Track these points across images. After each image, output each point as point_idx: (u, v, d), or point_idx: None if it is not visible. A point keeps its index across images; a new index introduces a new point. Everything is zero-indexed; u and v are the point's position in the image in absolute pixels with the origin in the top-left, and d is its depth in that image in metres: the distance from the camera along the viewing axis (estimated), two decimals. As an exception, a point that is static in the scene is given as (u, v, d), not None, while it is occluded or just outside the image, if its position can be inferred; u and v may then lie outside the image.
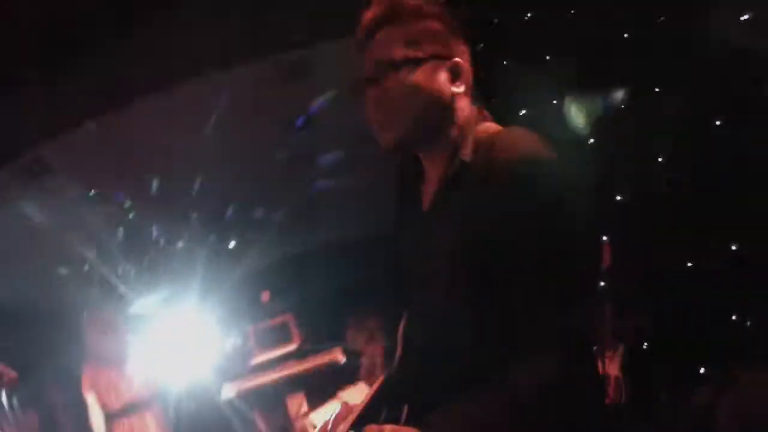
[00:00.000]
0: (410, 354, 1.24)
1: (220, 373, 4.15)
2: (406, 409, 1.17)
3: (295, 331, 4.34)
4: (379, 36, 1.18)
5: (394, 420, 1.14)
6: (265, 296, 4.51)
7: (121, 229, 4.81)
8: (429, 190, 1.23)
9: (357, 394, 3.10)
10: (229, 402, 3.96)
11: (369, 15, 1.18)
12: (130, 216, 4.86)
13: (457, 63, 1.17)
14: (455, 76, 1.17)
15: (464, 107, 1.19)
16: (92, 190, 4.10)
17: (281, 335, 4.35)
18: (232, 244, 5.56)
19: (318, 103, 4.38)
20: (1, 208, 3.74)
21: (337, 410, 1.38)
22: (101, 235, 4.73)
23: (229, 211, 5.37)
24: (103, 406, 3.54)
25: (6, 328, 4.87)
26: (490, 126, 1.19)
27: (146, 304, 4.80)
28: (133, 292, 4.88)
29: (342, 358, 3.98)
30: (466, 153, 1.12)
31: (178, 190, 4.65)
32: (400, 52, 1.14)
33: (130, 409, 3.54)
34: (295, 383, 3.86)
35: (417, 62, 1.14)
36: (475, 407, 0.94)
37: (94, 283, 4.77)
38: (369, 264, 4.51)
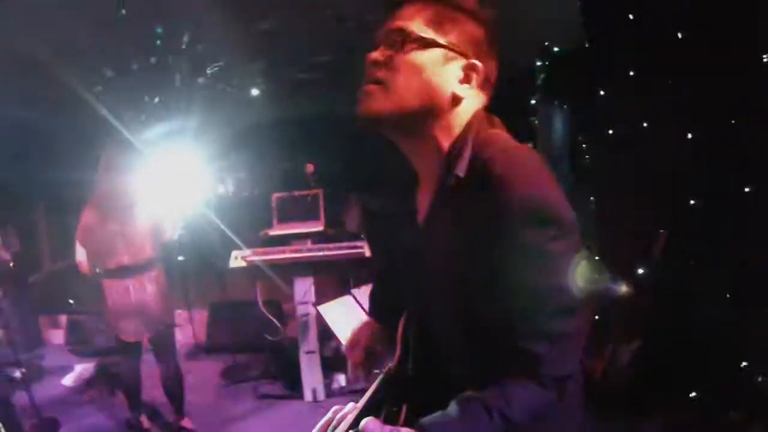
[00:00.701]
0: (409, 354, 1.32)
1: (230, 238, 4.03)
2: (404, 408, 1.28)
3: (322, 211, 4.14)
4: (406, 7, 1.17)
5: (394, 419, 1.25)
6: (310, 167, 4.26)
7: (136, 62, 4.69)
8: (424, 199, 1.23)
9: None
10: (236, 271, 3.87)
11: None
12: (158, 43, 4.75)
13: (473, 64, 1.15)
14: (468, 76, 1.15)
15: (466, 112, 1.16)
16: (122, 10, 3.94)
17: (307, 211, 4.12)
18: (254, 93, 5.43)
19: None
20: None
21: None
22: (124, 62, 4.68)
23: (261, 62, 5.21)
24: (100, 265, 3.43)
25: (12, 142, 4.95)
26: (494, 136, 1.14)
27: (157, 140, 4.62)
28: (146, 126, 4.79)
29: (368, 254, 3.68)
30: (462, 167, 1.10)
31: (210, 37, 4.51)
32: (419, 28, 1.13)
33: (129, 271, 3.39)
34: (306, 267, 3.71)
35: (430, 44, 1.12)
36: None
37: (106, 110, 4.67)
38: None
